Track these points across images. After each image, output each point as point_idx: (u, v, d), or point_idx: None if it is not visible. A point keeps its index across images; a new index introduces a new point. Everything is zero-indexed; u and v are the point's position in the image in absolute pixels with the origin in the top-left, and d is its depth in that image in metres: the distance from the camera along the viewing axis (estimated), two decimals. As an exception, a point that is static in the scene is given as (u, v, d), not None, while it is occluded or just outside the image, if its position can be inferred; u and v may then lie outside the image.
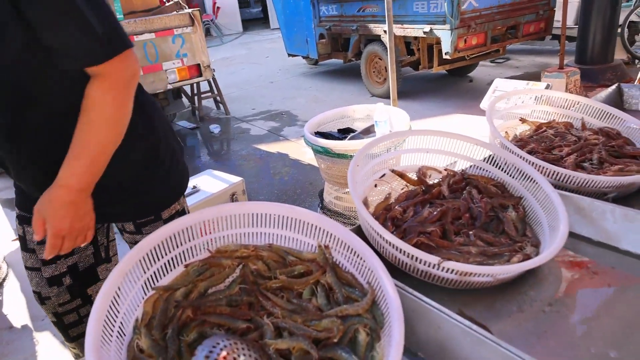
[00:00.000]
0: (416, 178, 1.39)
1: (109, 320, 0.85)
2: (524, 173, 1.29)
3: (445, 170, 1.41)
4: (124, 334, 0.90)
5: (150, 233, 1.29)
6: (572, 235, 1.21)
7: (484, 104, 3.03)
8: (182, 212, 1.39)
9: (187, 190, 2.71)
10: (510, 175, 1.34)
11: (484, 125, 1.58)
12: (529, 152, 1.47)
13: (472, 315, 0.99)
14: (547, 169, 1.30)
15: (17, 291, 2.78)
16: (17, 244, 3.26)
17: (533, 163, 1.31)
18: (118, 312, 0.89)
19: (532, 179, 1.26)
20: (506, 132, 1.74)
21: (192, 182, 2.95)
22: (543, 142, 1.58)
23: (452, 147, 1.43)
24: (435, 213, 1.20)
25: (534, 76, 5.50)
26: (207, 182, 2.96)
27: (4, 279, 2.90)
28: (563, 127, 1.67)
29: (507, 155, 1.34)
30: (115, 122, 1.03)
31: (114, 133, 1.04)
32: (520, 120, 1.79)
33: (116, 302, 0.88)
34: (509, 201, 1.27)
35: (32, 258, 1.30)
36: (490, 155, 1.41)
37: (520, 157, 1.33)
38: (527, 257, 1.06)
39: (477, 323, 0.82)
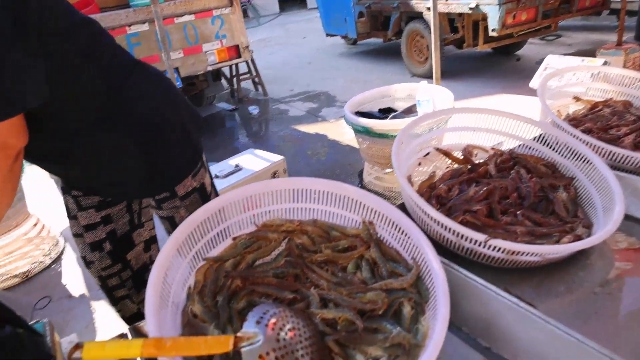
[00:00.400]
0: (462, 157, 1.37)
1: (165, 287, 0.90)
2: (577, 153, 1.25)
3: (492, 149, 1.38)
4: (178, 302, 0.95)
5: (169, 209, 1.37)
6: (627, 218, 1.16)
7: (534, 82, 2.91)
8: (202, 189, 1.42)
9: (229, 169, 2.78)
10: (562, 155, 1.29)
11: (532, 106, 1.53)
12: (583, 132, 1.42)
13: (518, 294, 0.98)
14: (602, 148, 1.25)
15: (74, 264, 2.95)
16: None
17: (587, 142, 1.26)
18: (173, 279, 0.94)
19: (586, 159, 1.21)
20: (558, 111, 1.68)
21: (234, 161, 3.02)
22: (599, 122, 1.52)
23: (500, 125, 1.39)
24: (481, 192, 1.18)
25: (588, 54, 5.23)
26: (249, 161, 3.01)
27: (61, 252, 3.08)
28: (621, 106, 1.59)
29: (559, 134, 1.29)
30: None
31: None
32: (574, 98, 1.72)
33: (171, 270, 0.93)
34: (560, 181, 1.24)
35: (76, 225, 1.40)
36: (540, 135, 1.37)
37: (574, 136, 1.28)
38: (578, 238, 1.03)
39: (524, 301, 0.82)
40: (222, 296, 0.95)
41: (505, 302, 0.81)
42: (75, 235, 1.43)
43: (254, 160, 3.03)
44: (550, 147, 1.33)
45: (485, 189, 1.19)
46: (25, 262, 2.81)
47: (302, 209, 1.14)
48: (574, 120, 1.54)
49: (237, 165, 2.90)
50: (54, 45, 1.02)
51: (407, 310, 0.88)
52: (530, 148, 1.37)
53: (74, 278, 2.78)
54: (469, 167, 1.33)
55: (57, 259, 2.99)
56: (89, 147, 1.23)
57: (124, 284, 1.49)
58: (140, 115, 1.24)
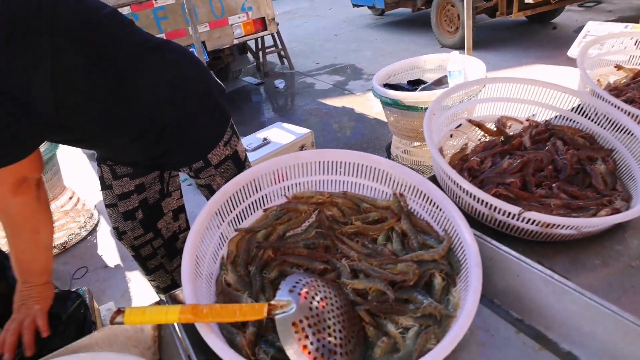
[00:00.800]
0: (495, 128, 1.34)
1: (199, 256, 0.92)
2: (617, 123, 1.20)
3: (527, 120, 1.34)
4: (212, 271, 0.97)
5: (206, 177, 1.40)
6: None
7: (573, 51, 2.78)
8: (235, 156, 1.44)
9: (258, 143, 2.80)
10: (601, 126, 1.25)
11: (569, 76, 1.47)
12: (625, 101, 1.36)
13: (552, 267, 0.96)
14: (644, 118, 1.20)
15: (108, 235, 3.06)
16: (105, 192, 3.56)
17: (629, 112, 1.21)
18: (207, 249, 0.96)
19: (627, 129, 1.17)
20: (598, 80, 1.62)
21: (262, 134, 3.03)
22: (642, 91, 1.45)
23: (535, 95, 1.35)
24: (515, 164, 1.15)
25: (631, 21, 4.98)
26: (277, 135, 3.02)
27: (96, 224, 3.19)
28: (665, 74, 1.52)
29: (599, 104, 1.24)
30: (16, 232, 1.07)
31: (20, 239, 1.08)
32: (615, 67, 1.65)
33: (205, 240, 0.95)
34: (598, 153, 1.20)
35: (110, 195, 1.44)
36: (578, 105, 1.32)
37: (614, 106, 1.23)
38: (616, 212, 1.01)
39: (558, 274, 0.81)
40: (255, 266, 0.98)
41: (539, 274, 0.80)
42: (109, 205, 1.47)
43: (281, 133, 3.04)
44: (589, 118, 1.28)
45: (519, 161, 1.16)
46: (62, 234, 2.93)
47: (332, 181, 1.14)
48: (615, 90, 1.48)
49: (265, 139, 2.92)
50: (62, 45, 1.02)
51: (438, 281, 0.88)
52: (567, 119, 1.32)
53: (109, 249, 2.89)
54: (502, 139, 1.29)
55: (93, 231, 3.10)
56: (108, 145, 1.31)
57: (156, 252, 1.54)
58: (146, 110, 1.23)
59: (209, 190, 1.44)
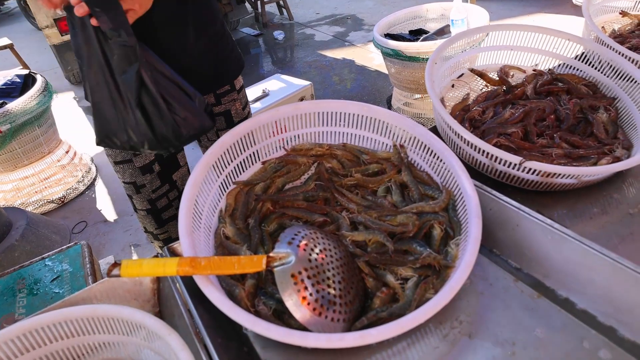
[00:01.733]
0: (497, 78, 1.30)
1: (197, 209, 0.91)
2: (620, 71, 1.17)
3: (533, 70, 1.30)
4: (210, 224, 0.97)
5: (227, 102, 1.39)
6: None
7: (577, -2, 2.69)
8: (243, 89, 1.49)
9: (257, 94, 2.75)
10: (605, 74, 1.21)
11: (574, 25, 1.43)
12: (630, 49, 1.32)
13: (551, 217, 0.96)
14: (650, 65, 1.16)
15: (106, 190, 3.06)
16: (101, 148, 3.52)
17: (632, 59, 1.17)
18: (205, 202, 0.95)
19: (630, 77, 1.14)
20: (602, 27, 1.56)
21: (261, 86, 2.97)
22: (647, 37, 1.41)
23: (538, 43, 1.30)
24: (517, 114, 1.13)
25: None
26: (276, 86, 2.96)
27: (94, 179, 3.19)
28: (674, 19, 1.47)
29: (603, 51, 1.20)
30: None
31: None
32: (620, 13, 1.59)
33: (202, 192, 0.94)
34: (601, 102, 1.17)
35: (123, 152, 1.40)
36: (582, 53, 1.28)
37: (618, 53, 1.19)
38: (617, 160, 1.00)
39: (557, 223, 0.80)
40: (253, 219, 0.97)
41: (539, 223, 0.80)
42: (122, 162, 1.41)
43: (281, 85, 2.98)
44: (593, 66, 1.25)
45: (521, 110, 1.14)
46: (60, 188, 2.93)
47: (332, 133, 1.12)
48: (620, 37, 1.43)
49: (264, 91, 2.86)
50: None
51: (437, 232, 0.88)
52: (571, 67, 1.29)
53: (108, 203, 2.89)
54: (504, 88, 1.26)
55: (91, 185, 3.09)
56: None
57: (171, 204, 1.53)
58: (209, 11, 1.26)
59: (225, 118, 1.44)
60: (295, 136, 1.12)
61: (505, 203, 0.86)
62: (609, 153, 1.03)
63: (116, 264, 0.76)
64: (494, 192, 0.89)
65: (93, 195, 3.02)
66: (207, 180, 0.97)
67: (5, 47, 4.53)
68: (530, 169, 0.93)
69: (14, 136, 2.62)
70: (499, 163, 0.97)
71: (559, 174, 0.91)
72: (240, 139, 1.04)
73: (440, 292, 0.73)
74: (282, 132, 1.11)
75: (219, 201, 1.01)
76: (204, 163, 0.95)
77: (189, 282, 0.83)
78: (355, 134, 1.11)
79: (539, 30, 1.28)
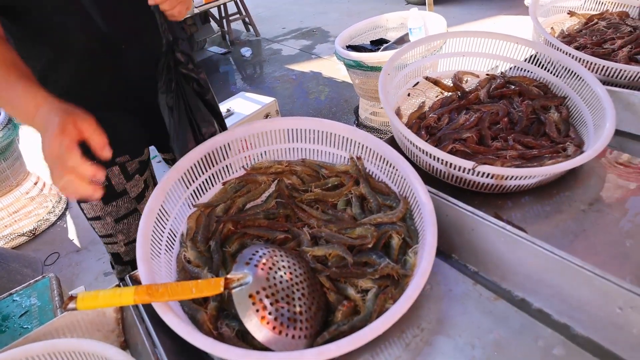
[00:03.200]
0: (451, 84, 1.33)
1: (156, 235, 0.90)
2: (569, 70, 1.20)
3: (486, 74, 1.34)
4: (172, 249, 0.96)
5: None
6: (620, 133, 1.15)
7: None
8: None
9: (222, 114, 2.74)
10: (555, 75, 1.25)
11: (531, 25, 1.46)
12: (577, 48, 1.37)
13: (509, 218, 0.98)
14: (595, 64, 1.21)
15: (78, 219, 3.00)
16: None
17: (579, 59, 1.21)
18: (164, 228, 0.94)
19: (578, 75, 1.17)
20: (552, 28, 1.61)
21: (226, 105, 2.97)
22: (593, 36, 1.46)
23: (491, 48, 1.34)
24: (472, 119, 1.15)
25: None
26: (241, 105, 2.96)
27: (65, 208, 3.12)
28: (617, 18, 1.52)
29: (552, 52, 1.24)
30: None
31: None
32: (568, 13, 1.65)
33: (161, 218, 0.93)
34: (552, 102, 1.21)
35: (126, 202, 1.26)
36: (532, 55, 1.32)
37: (566, 53, 1.23)
38: (569, 158, 1.02)
39: (514, 225, 0.82)
40: (214, 241, 0.97)
41: (492, 227, 0.82)
42: (126, 215, 1.28)
43: (245, 103, 2.98)
44: (543, 67, 1.28)
45: (475, 115, 1.16)
46: (30, 221, 2.86)
47: (291, 149, 1.13)
48: (568, 37, 1.48)
49: (228, 110, 2.86)
50: None
51: (395, 242, 0.89)
52: (522, 70, 1.32)
53: (80, 233, 2.83)
54: (459, 94, 1.29)
55: (62, 215, 3.03)
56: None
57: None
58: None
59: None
60: (254, 155, 1.12)
61: (460, 208, 0.88)
62: (562, 151, 1.06)
63: (72, 298, 0.75)
64: (449, 198, 0.90)
65: (65, 225, 2.96)
66: (166, 205, 0.96)
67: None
68: (483, 173, 0.95)
69: (-22, 171, 2.56)
70: (454, 169, 0.99)
71: (509, 176, 0.93)
72: (198, 161, 1.04)
73: (398, 301, 0.73)
74: (241, 152, 1.11)
75: (180, 225, 1.00)
76: (160, 188, 0.95)
77: (151, 310, 0.81)
78: (314, 149, 1.12)
79: (489, 35, 1.32)
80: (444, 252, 0.92)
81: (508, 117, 1.18)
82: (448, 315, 0.80)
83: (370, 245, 0.89)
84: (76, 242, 2.78)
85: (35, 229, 2.88)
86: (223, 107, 2.92)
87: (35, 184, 2.99)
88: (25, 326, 1.44)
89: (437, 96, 1.34)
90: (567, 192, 1.00)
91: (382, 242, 0.91)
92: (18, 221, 2.83)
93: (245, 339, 0.79)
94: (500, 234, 0.81)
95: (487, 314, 0.79)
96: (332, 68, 4.70)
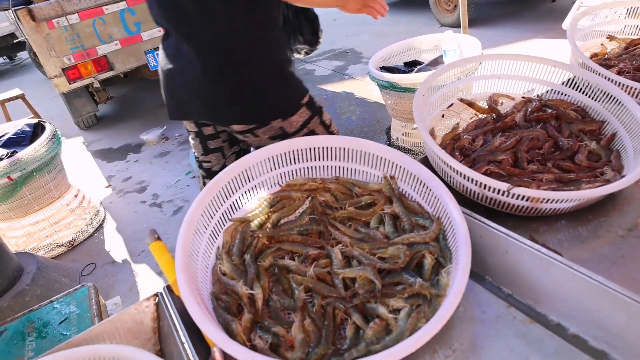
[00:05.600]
0: (486, 106, 1.33)
1: (194, 247, 0.94)
2: (608, 95, 1.19)
3: (522, 97, 1.33)
4: (207, 262, 0.99)
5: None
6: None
7: (567, 23, 2.75)
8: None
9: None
10: (593, 99, 1.24)
11: (567, 49, 1.45)
12: (618, 73, 1.35)
13: (543, 242, 0.97)
14: (635, 88, 1.19)
15: (114, 231, 3.10)
16: (110, 190, 3.58)
17: (619, 83, 1.20)
18: (201, 240, 0.98)
19: (617, 100, 1.16)
20: (593, 52, 1.60)
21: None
22: (634, 61, 1.44)
23: (527, 71, 1.34)
24: (509, 142, 1.15)
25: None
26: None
27: (102, 221, 3.24)
28: (658, 42, 1.50)
29: (590, 76, 1.23)
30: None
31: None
32: (607, 37, 1.63)
33: (199, 230, 0.97)
34: (590, 126, 1.19)
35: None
36: (570, 79, 1.31)
37: (605, 78, 1.22)
38: (607, 183, 1.01)
39: (548, 248, 0.81)
40: (249, 254, 0.99)
41: (527, 249, 0.81)
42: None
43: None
44: (581, 91, 1.27)
45: (512, 139, 1.16)
46: (69, 232, 2.97)
47: (325, 167, 1.15)
48: (608, 61, 1.46)
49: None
50: None
51: (428, 261, 0.89)
52: (559, 93, 1.32)
53: (116, 245, 2.93)
54: (494, 116, 1.29)
55: (99, 228, 3.14)
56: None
57: (218, 135, 1.57)
58: None
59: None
60: (289, 171, 1.15)
61: (494, 230, 0.87)
62: (599, 176, 1.05)
63: (156, 237, 0.95)
64: (482, 219, 0.90)
65: (102, 237, 3.06)
66: (204, 218, 0.99)
67: (17, 97, 4.71)
68: (518, 195, 0.95)
69: (24, 183, 2.68)
70: (489, 190, 0.99)
71: (546, 199, 0.93)
72: (235, 176, 1.07)
73: (431, 320, 0.73)
74: (276, 169, 1.14)
75: (216, 239, 1.03)
76: (199, 201, 0.98)
77: (187, 320, 0.84)
78: (348, 167, 1.14)
79: (525, 58, 1.32)
80: (477, 273, 0.92)
81: (554, 143, 1.16)
82: (481, 337, 0.80)
83: (402, 265, 0.89)
84: (112, 254, 2.86)
85: (74, 239, 2.99)
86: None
87: (76, 196, 3.11)
88: (64, 333, 1.50)
89: (471, 118, 1.34)
90: (604, 217, 0.99)
91: (415, 262, 0.91)
92: (58, 232, 2.95)
93: (277, 352, 0.81)
94: (535, 256, 0.80)
95: (521, 337, 0.78)
96: (364, 89, 4.74)
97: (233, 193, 1.08)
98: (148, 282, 2.51)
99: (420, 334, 0.71)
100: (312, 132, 1.45)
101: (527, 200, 0.95)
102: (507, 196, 0.96)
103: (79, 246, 2.99)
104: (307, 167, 1.15)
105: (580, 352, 0.73)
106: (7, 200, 2.69)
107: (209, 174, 1.66)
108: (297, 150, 1.13)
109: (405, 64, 2.83)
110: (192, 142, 1.63)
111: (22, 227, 2.87)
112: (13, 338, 1.50)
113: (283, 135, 1.42)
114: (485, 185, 0.98)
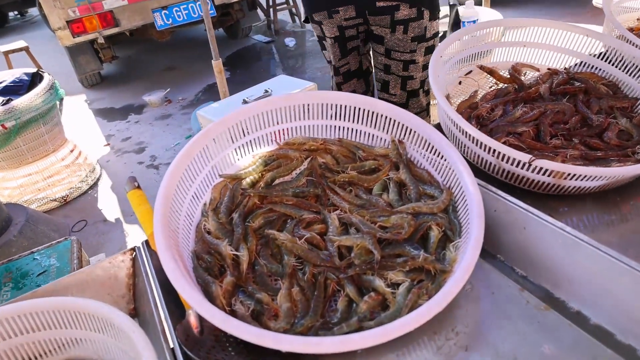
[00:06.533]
0: (508, 75, 1.22)
1: (177, 199, 0.85)
2: (644, 70, 1.08)
3: (548, 69, 1.22)
4: (192, 216, 0.90)
5: None
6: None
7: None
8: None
9: (259, 94, 2.69)
10: (629, 74, 1.13)
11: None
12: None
13: (564, 223, 0.88)
14: (675, 64, 1.08)
15: (109, 190, 3.03)
16: (108, 149, 3.50)
17: (658, 57, 1.09)
18: (187, 193, 0.89)
19: (655, 75, 1.05)
20: (628, 26, 1.47)
21: (264, 85, 2.91)
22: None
23: (554, 39, 1.22)
24: (531, 113, 1.05)
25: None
26: (279, 86, 2.89)
27: (98, 179, 3.16)
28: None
29: (626, 48, 1.12)
30: None
31: None
32: (638, 19, 1.50)
33: (184, 182, 0.88)
34: (621, 102, 1.09)
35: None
36: (602, 52, 1.20)
37: (642, 50, 1.11)
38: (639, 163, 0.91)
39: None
40: (238, 213, 0.90)
41: (549, 226, 0.72)
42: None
43: (284, 85, 2.90)
44: (613, 65, 1.16)
45: (536, 111, 1.05)
46: (63, 187, 2.90)
47: (327, 126, 1.05)
48: (644, 36, 1.34)
49: (266, 90, 2.80)
50: None
51: (434, 234, 0.80)
52: (590, 66, 1.20)
53: (110, 204, 2.85)
54: (515, 87, 1.18)
55: (94, 185, 3.06)
56: None
57: (358, 35, 1.68)
58: None
59: None
60: (288, 128, 1.05)
61: (512, 203, 0.78)
62: (631, 156, 0.94)
63: (136, 185, 0.89)
64: (498, 191, 0.81)
65: (95, 195, 2.99)
66: (191, 170, 0.90)
67: (20, 49, 4.59)
68: (540, 169, 0.85)
69: (18, 133, 2.60)
70: (507, 162, 0.89)
71: (573, 175, 0.83)
72: (230, 127, 0.97)
73: (434, 298, 0.65)
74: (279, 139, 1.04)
75: (203, 195, 0.94)
76: (186, 152, 0.89)
77: (163, 278, 0.75)
78: (353, 128, 1.04)
79: (554, 25, 1.20)
80: (488, 251, 0.82)
81: (582, 118, 1.06)
82: (488, 320, 0.71)
83: (405, 236, 0.80)
84: (104, 212, 2.79)
85: (67, 195, 2.91)
86: (260, 87, 2.86)
87: (71, 151, 3.02)
88: (41, 285, 1.43)
89: (490, 87, 1.23)
90: (632, 200, 0.89)
91: (420, 234, 0.82)
92: (51, 186, 2.87)
93: (259, 320, 0.73)
94: (557, 234, 0.71)
95: (535, 324, 0.69)
96: (376, 64, 4.60)
97: (226, 147, 0.98)
98: (138, 243, 2.44)
99: (420, 311, 0.62)
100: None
101: (549, 175, 0.85)
102: (528, 170, 0.87)
103: (72, 202, 2.92)
104: (308, 126, 1.05)
105: (603, 345, 0.64)
106: (0, 148, 2.60)
107: (347, 77, 1.78)
108: (298, 105, 1.02)
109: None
110: (329, 49, 1.73)
111: (15, 179, 2.80)
112: (-12, 287, 1.43)
113: (420, 39, 1.55)
114: (503, 156, 0.88)
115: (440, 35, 2.52)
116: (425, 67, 1.64)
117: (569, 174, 0.83)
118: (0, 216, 2.26)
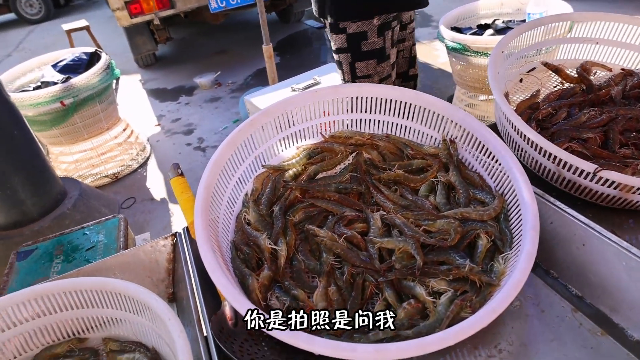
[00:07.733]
0: (576, 75, 1.13)
1: (218, 189, 0.84)
2: None
3: (621, 70, 1.12)
4: (234, 206, 0.90)
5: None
6: None
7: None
8: None
9: (308, 82, 2.67)
10: None
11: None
12: None
13: (628, 241, 0.81)
14: None
15: (157, 169, 3.12)
16: (159, 129, 3.59)
17: None
18: (229, 182, 0.88)
19: None
20: None
21: (312, 73, 2.88)
22: None
23: (631, 37, 1.12)
24: (600, 118, 0.96)
25: None
26: (329, 75, 2.86)
27: (147, 158, 3.25)
28: None
29: None
30: None
31: None
32: None
33: (226, 173, 0.87)
34: None
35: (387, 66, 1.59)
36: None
37: None
38: None
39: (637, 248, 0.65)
40: (279, 206, 0.89)
41: (612, 245, 0.66)
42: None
43: (334, 74, 2.88)
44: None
45: (605, 116, 0.97)
46: (115, 164, 3.01)
47: (376, 121, 1.01)
48: None
49: (315, 79, 2.78)
50: None
51: (482, 243, 0.75)
52: (668, 68, 1.09)
53: (158, 183, 2.93)
54: (583, 87, 1.10)
55: (144, 164, 3.16)
56: None
57: None
58: None
59: None
60: (335, 121, 1.02)
61: (571, 217, 0.72)
62: None
63: (179, 172, 0.90)
64: (557, 202, 0.75)
65: (144, 174, 3.08)
66: (234, 159, 0.89)
67: (82, 28, 4.77)
68: (606, 180, 0.78)
69: (76, 110, 2.71)
70: (568, 170, 0.82)
71: (643, 189, 0.76)
72: (275, 119, 0.96)
73: (479, 312, 0.61)
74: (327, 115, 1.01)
75: (245, 184, 0.93)
76: (230, 141, 0.88)
77: (202, 267, 0.75)
78: (402, 124, 0.99)
79: (630, 21, 1.10)
80: (540, 265, 0.77)
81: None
82: (535, 341, 0.66)
83: (451, 243, 0.76)
84: (152, 191, 2.88)
85: (118, 172, 3.02)
86: (309, 76, 2.84)
87: (124, 130, 3.12)
88: (89, 260, 1.48)
89: (555, 87, 1.15)
90: None
91: (467, 242, 0.77)
92: (104, 162, 2.98)
93: (293, 317, 0.71)
94: (621, 255, 0.65)
95: (587, 349, 0.64)
96: (430, 54, 4.46)
97: (270, 137, 0.97)
98: (182, 223, 2.50)
99: (462, 326, 0.59)
100: None
101: (616, 187, 0.78)
102: (592, 180, 0.80)
103: (122, 179, 3.02)
104: (356, 119, 1.01)
105: (667, 382, 0.58)
106: (59, 125, 2.72)
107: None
108: (346, 98, 0.99)
109: (479, 26, 2.56)
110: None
111: (71, 154, 2.93)
112: (42, 258, 1.50)
113: None
114: (565, 164, 0.82)
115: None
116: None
117: (638, 188, 0.76)
118: (56, 189, 2.38)
